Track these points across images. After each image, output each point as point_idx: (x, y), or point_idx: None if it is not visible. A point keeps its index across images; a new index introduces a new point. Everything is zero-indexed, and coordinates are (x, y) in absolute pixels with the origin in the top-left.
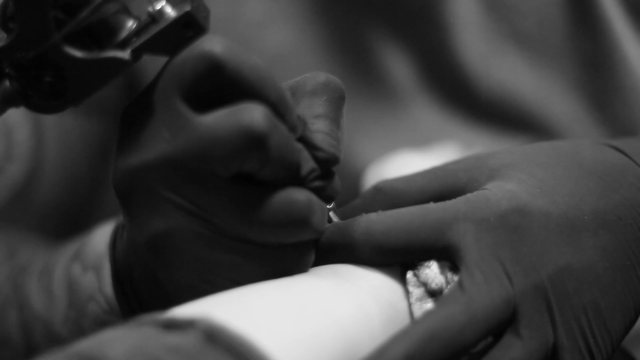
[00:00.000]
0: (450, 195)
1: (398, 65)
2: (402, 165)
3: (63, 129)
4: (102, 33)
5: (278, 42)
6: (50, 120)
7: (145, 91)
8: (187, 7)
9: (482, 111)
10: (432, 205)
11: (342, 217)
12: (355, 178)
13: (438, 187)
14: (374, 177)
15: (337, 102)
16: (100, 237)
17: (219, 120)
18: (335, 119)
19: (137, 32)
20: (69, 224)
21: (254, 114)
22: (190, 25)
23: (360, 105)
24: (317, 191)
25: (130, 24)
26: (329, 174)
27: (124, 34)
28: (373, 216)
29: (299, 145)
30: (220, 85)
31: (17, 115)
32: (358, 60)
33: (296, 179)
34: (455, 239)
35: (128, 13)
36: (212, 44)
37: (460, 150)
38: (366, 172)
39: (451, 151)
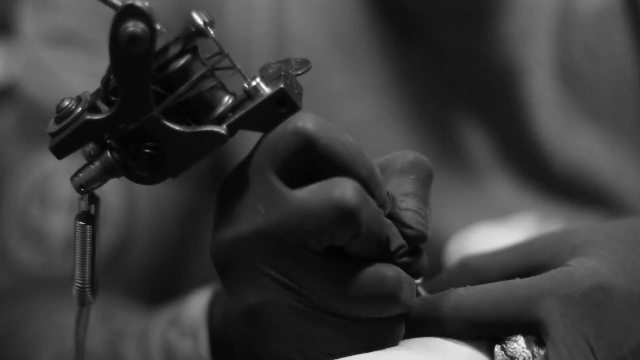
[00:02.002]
0: (533, 271)
1: (476, 140)
2: (484, 239)
3: (155, 195)
4: (199, 108)
5: (358, 115)
6: (142, 187)
7: (240, 166)
8: (281, 85)
9: (558, 186)
10: (518, 281)
11: (429, 290)
12: (435, 249)
13: (522, 263)
14: (457, 250)
15: (425, 180)
16: (197, 303)
17: (311, 194)
18: (423, 197)
19: (233, 108)
20: (160, 288)
21: (345, 189)
22: (284, 102)
23: (438, 179)
24: (406, 267)
25: (227, 99)
26: (417, 250)
27: (220, 109)
28: (462, 291)
29: (389, 221)
30: (312, 160)
31: (110, 182)
32: (436, 134)
33: (385, 254)
34: (541, 314)
35: (224, 89)
36: (304, 120)
37: (538, 223)
38: (448, 245)
39: (529, 224)
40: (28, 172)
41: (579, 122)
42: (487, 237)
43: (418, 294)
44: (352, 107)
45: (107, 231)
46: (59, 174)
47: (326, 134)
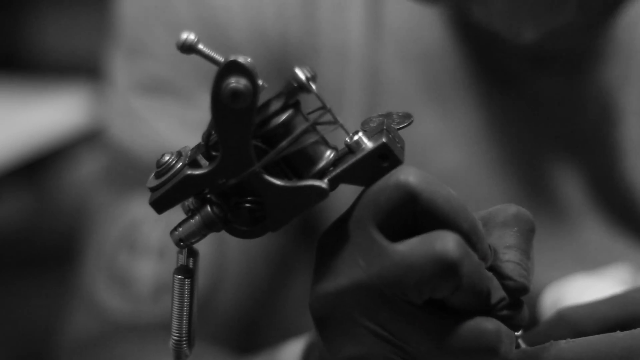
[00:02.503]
0: (633, 323)
1: (568, 187)
2: (579, 290)
3: (244, 244)
4: (300, 162)
5: (451, 163)
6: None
7: (340, 219)
8: (384, 139)
9: None
10: (619, 334)
11: (527, 343)
12: (528, 298)
13: (621, 315)
14: (552, 302)
15: (527, 234)
16: (291, 353)
17: (413, 247)
18: (525, 250)
19: (334, 162)
20: (246, 337)
21: (447, 242)
22: (386, 157)
23: None
24: (506, 319)
25: (328, 153)
26: (518, 303)
27: (321, 163)
28: (563, 344)
29: (490, 274)
30: (414, 214)
31: None
32: (529, 182)
33: (486, 307)
34: None
35: (326, 143)
36: (407, 174)
37: (633, 274)
38: (543, 296)
39: (624, 275)
40: (117, 219)
41: None
42: (582, 288)
43: (518, 346)
44: (444, 155)
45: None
46: (148, 221)
47: (428, 188)
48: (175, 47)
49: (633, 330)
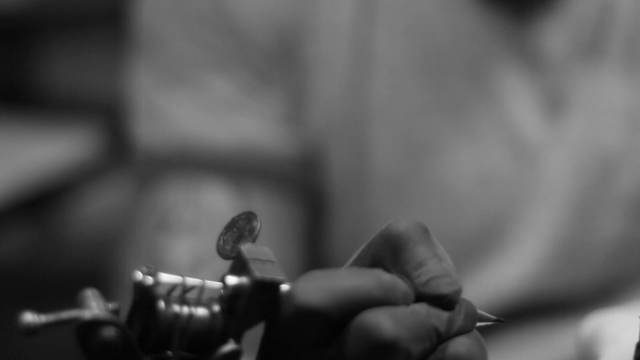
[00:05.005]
0: None
1: None
2: (620, 327)
3: None
4: (199, 343)
5: (434, 132)
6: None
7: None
8: (256, 274)
9: None
10: None
11: None
12: None
13: None
14: (591, 334)
15: (423, 238)
16: None
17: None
18: (434, 255)
19: (226, 318)
20: None
21: (376, 326)
22: (268, 287)
23: None
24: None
25: (216, 315)
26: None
27: (217, 330)
28: None
29: (424, 313)
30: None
31: (226, 205)
32: None
33: (448, 337)
34: None
35: (205, 308)
36: (295, 295)
37: None
38: (582, 327)
39: None
40: (152, 210)
41: None
42: (622, 327)
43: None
44: (430, 124)
45: None
46: (179, 204)
47: (316, 297)
48: (188, 37)
49: None
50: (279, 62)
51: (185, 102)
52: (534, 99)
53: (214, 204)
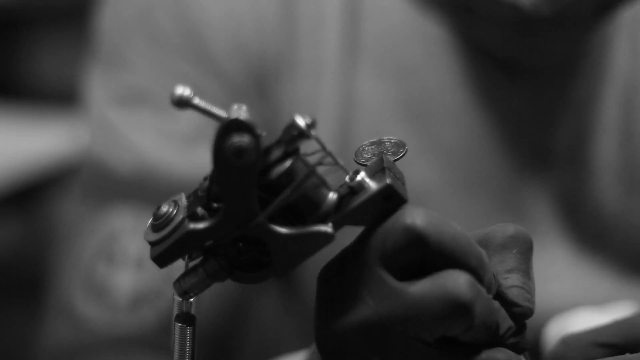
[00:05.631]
0: (638, 347)
1: (538, 204)
2: (585, 323)
3: None
4: (303, 208)
5: (422, 178)
6: None
7: (344, 255)
8: (388, 180)
9: (617, 253)
10: (629, 356)
11: None
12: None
13: (626, 340)
14: (557, 334)
15: (526, 253)
16: None
17: (424, 289)
18: (526, 272)
19: (337, 205)
20: (218, 351)
21: (459, 283)
22: (390, 197)
23: None
24: (513, 346)
25: (330, 196)
26: (523, 327)
27: (325, 208)
28: None
29: (497, 305)
30: (422, 255)
31: None
32: (499, 198)
33: (495, 338)
34: None
35: (327, 186)
36: (414, 217)
37: (637, 309)
38: (547, 328)
39: (628, 310)
40: (95, 231)
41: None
42: (587, 322)
43: None
44: (417, 171)
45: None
46: (125, 232)
47: (436, 229)
48: (154, 58)
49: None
50: (251, 99)
51: (144, 127)
52: None
53: None
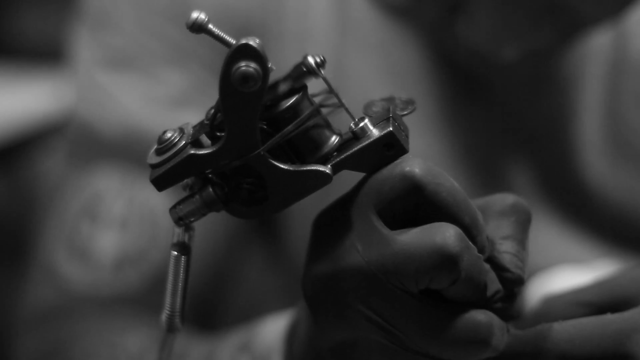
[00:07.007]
0: (620, 307)
1: (521, 180)
2: (566, 280)
3: (209, 219)
4: (305, 146)
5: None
6: None
7: (339, 202)
8: (390, 128)
9: (600, 227)
10: (610, 316)
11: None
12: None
13: (608, 299)
14: (538, 291)
15: (524, 224)
16: (271, 329)
17: (413, 238)
18: (521, 241)
19: (338, 148)
20: (201, 314)
21: (448, 235)
22: (391, 146)
23: None
24: (500, 311)
25: (333, 139)
26: (513, 294)
27: (326, 149)
28: (556, 326)
29: (487, 266)
30: (416, 204)
31: (162, 204)
32: (483, 173)
33: (481, 299)
34: (635, 349)
35: (330, 128)
36: (412, 165)
37: (619, 267)
38: (528, 286)
39: (610, 268)
40: (78, 191)
41: (624, 167)
42: (568, 279)
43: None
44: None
45: (159, 253)
46: (110, 193)
47: (433, 180)
48: (141, 21)
49: (623, 313)
50: None
51: (131, 90)
52: None
53: (148, 200)
